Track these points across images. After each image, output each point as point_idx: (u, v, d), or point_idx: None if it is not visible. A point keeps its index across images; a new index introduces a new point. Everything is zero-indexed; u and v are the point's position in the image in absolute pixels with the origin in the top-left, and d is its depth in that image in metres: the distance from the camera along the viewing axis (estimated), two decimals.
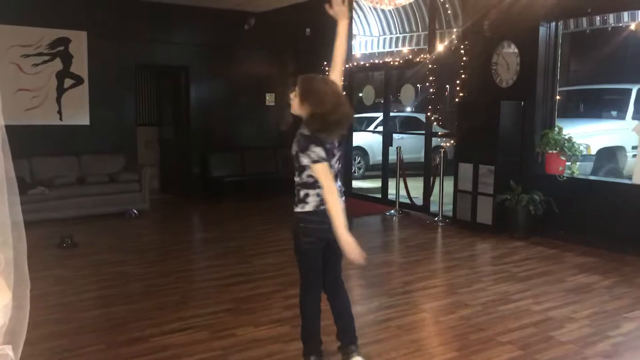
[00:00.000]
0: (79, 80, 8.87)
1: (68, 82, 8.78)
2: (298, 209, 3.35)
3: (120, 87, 9.15)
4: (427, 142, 8.68)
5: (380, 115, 13.21)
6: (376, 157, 13.16)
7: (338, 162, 3.38)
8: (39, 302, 4.77)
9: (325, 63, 10.45)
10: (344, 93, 3.48)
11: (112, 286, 5.27)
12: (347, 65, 10.00)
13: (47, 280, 5.33)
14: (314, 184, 3.25)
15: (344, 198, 3.40)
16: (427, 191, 8.60)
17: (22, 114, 8.39)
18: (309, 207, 3.30)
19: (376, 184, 11.36)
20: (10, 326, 1.46)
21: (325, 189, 3.17)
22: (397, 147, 8.87)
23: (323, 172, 3.17)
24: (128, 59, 9.30)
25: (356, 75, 10.03)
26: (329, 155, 3.23)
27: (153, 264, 5.99)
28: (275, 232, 7.43)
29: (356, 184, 11.10)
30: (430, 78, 8.41)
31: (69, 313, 4.53)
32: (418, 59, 8.72)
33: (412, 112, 14.90)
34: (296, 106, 3.35)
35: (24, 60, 8.35)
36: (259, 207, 9.30)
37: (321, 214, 3.25)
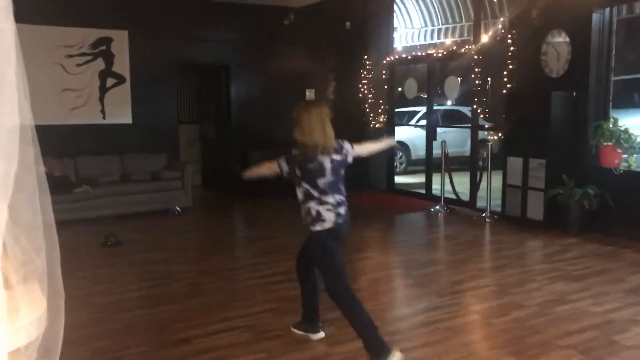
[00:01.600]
0: (121, 80, 8.93)
1: (110, 81, 8.85)
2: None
3: (161, 85, 9.19)
4: (473, 135, 8.41)
5: (421, 109, 12.98)
6: (418, 151, 12.91)
7: (332, 174, 3.73)
8: (82, 302, 4.79)
9: (365, 57, 10.31)
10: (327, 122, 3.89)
11: (156, 285, 5.24)
12: (388, 58, 9.81)
13: (91, 279, 5.34)
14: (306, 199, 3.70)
15: (343, 209, 3.73)
16: (474, 186, 8.34)
17: (67, 114, 8.49)
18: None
19: (419, 179, 11.14)
20: (43, 341, 1.30)
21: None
22: (441, 142, 8.63)
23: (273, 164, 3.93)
24: (169, 58, 9.32)
25: (397, 68, 9.81)
26: (310, 172, 3.67)
27: (196, 262, 5.95)
28: None
29: (398, 179, 10.89)
30: (476, 70, 8.14)
31: (113, 313, 4.50)
32: (462, 50, 8.46)
33: (452, 105, 14.57)
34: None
35: (67, 60, 8.45)
36: (293, 204, 9.17)
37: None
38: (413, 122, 12.96)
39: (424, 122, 12.47)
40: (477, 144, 8.49)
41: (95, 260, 6.03)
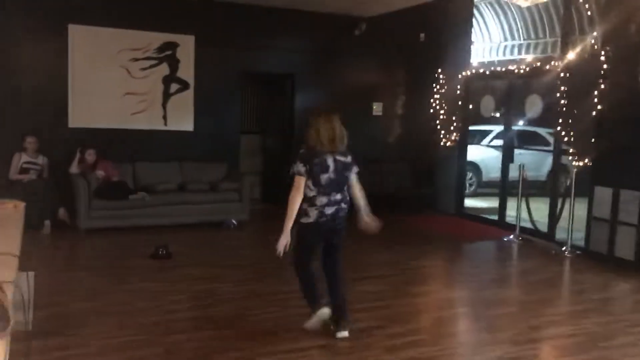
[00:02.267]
0: (185, 86, 8.74)
1: (174, 87, 8.67)
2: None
3: (225, 93, 8.92)
4: (555, 159, 7.67)
5: (493, 129, 12.23)
6: (489, 173, 12.16)
7: (335, 172, 4.41)
8: (125, 320, 4.49)
9: (439, 71, 9.73)
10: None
11: (202, 306, 4.89)
12: (464, 73, 9.21)
13: (137, 294, 5.05)
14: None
15: (338, 207, 4.48)
16: (553, 215, 7.59)
17: (128, 118, 8.36)
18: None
19: (489, 203, 10.41)
20: None
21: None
22: (519, 165, 7.93)
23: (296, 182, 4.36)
24: (234, 66, 9.06)
25: (474, 83, 9.17)
26: (314, 167, 4.31)
27: (247, 283, 5.55)
28: (375, 254, 6.79)
29: (468, 202, 10.19)
30: (562, 89, 7.41)
31: (153, 335, 4.15)
32: (547, 67, 7.75)
33: (526, 124, 13.66)
34: None
35: (132, 64, 8.32)
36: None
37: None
38: (485, 141, 12.23)
39: (497, 142, 11.82)
40: (559, 169, 7.74)
41: (143, 272, 5.74)
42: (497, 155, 11.96)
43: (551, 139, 12.43)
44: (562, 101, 7.43)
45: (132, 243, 6.98)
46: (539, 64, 8.11)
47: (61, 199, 7.51)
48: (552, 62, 7.75)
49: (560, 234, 7.39)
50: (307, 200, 4.38)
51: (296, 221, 4.43)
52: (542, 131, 12.36)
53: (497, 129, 12.05)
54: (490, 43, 10.95)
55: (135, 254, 6.42)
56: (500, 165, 11.33)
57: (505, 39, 10.79)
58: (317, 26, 9.50)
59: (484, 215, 9.35)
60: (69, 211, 7.54)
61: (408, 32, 10.04)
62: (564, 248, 7.05)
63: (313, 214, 4.38)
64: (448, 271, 6.38)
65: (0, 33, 7.58)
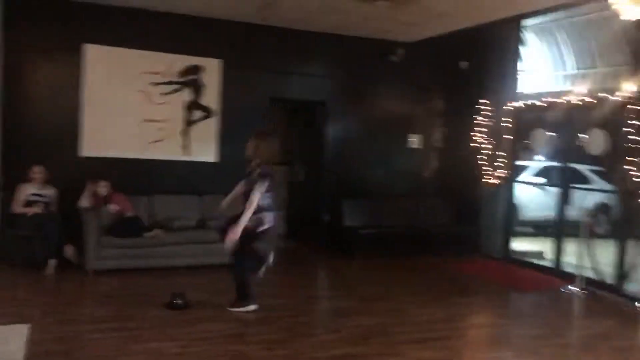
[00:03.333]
0: (208, 113, 8.04)
1: (197, 114, 7.98)
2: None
3: (251, 121, 8.09)
4: (626, 200, 6.76)
5: (530, 164, 11.35)
6: (528, 212, 11.25)
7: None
8: None
9: (482, 102, 8.94)
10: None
11: None
12: (511, 104, 8.41)
13: (149, 357, 4.22)
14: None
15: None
16: (621, 264, 6.66)
17: (145, 147, 7.67)
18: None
19: (532, 245, 9.48)
20: None
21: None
22: (586, 209, 7.07)
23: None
24: (262, 92, 8.37)
25: (523, 115, 8.35)
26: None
27: (276, 344, 4.68)
28: (427, 308, 5.90)
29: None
30: (631, 122, 6.57)
31: None
32: (610, 99, 6.92)
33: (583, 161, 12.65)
34: None
35: (152, 88, 7.66)
36: (400, 268, 7.83)
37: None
38: (523, 177, 11.31)
39: (538, 178, 10.93)
40: (629, 210, 6.82)
41: (157, 327, 4.92)
42: (536, 192, 11.14)
43: (592, 176, 11.63)
44: (631, 136, 6.58)
45: (145, 288, 6.18)
46: (600, 95, 7.27)
47: (69, 235, 6.77)
48: (617, 93, 6.92)
49: (630, 285, 6.47)
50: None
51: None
52: (582, 167, 11.48)
53: (539, 164, 11.25)
54: (537, 72, 10.17)
55: (148, 302, 5.61)
56: (539, 203, 10.57)
57: (558, 68, 10.00)
58: (351, 51, 8.80)
59: (528, 260, 8.44)
60: (77, 249, 6.79)
61: (448, 59, 9.30)
62: (637, 303, 6.12)
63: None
64: (512, 332, 5.45)
65: (9, 53, 6.94)
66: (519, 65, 8.72)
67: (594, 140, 7.22)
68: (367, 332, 5.03)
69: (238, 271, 5.59)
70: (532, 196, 10.74)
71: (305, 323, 5.33)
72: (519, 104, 8.38)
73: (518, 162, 8.88)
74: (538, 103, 8.07)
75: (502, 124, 8.55)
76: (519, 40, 8.51)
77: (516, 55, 8.52)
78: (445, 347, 4.72)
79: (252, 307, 5.51)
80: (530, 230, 11.34)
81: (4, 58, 6.81)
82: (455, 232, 9.01)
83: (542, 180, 11.03)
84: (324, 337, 4.91)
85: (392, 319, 5.46)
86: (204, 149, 8.03)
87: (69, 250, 6.74)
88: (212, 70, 8.00)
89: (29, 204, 6.82)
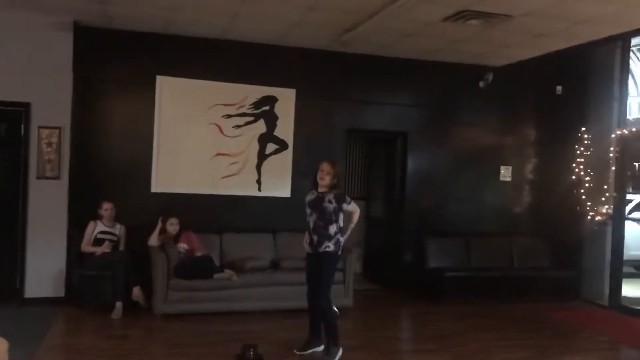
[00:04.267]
0: (283, 146, 7.59)
1: (271, 147, 7.54)
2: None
3: (328, 154, 7.49)
4: None
5: (634, 198, 10.24)
6: (630, 251, 10.07)
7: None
8: None
9: (583, 129, 8.06)
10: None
11: None
12: (618, 132, 7.49)
13: None
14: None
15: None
16: None
17: (218, 182, 7.27)
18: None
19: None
20: None
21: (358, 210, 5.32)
22: None
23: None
24: (339, 122, 7.84)
25: (633, 144, 7.41)
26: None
27: None
28: None
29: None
30: None
31: None
32: None
33: None
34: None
35: (225, 120, 7.29)
36: (493, 316, 6.99)
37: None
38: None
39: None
40: None
41: None
42: (636, 228, 10.02)
43: None
44: None
45: (215, 336, 5.68)
46: None
47: (137, 275, 6.40)
48: None
49: None
50: (340, 231, 5.07)
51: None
52: None
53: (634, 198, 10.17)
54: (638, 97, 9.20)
55: (218, 353, 5.09)
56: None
57: None
58: (434, 77, 8.17)
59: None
60: (145, 290, 6.40)
61: (542, 83, 8.50)
62: None
63: (340, 244, 5.09)
64: None
65: (79, 86, 6.77)
66: (630, 90, 7.82)
67: None
68: None
69: (326, 309, 5.09)
70: (631, 233, 9.67)
71: None
72: (627, 131, 7.46)
73: (626, 197, 7.85)
74: None
75: (607, 154, 7.63)
76: (627, 61, 7.62)
77: (624, 77, 7.62)
78: None
79: (341, 351, 5.06)
80: (631, 270, 10.26)
81: (74, 92, 6.62)
82: (553, 276, 8.07)
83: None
84: None
85: None
86: (278, 184, 7.56)
87: (137, 292, 6.37)
88: (286, 100, 7.57)
89: (97, 242, 6.53)
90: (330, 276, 5.15)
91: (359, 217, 5.46)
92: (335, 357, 4.96)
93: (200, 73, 7.19)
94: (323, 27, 6.56)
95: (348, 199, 5.16)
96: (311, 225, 5.12)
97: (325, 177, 5.06)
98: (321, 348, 5.17)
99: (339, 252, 5.14)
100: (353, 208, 5.18)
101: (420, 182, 8.25)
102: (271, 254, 7.10)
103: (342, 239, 5.11)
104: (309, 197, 5.23)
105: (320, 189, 5.13)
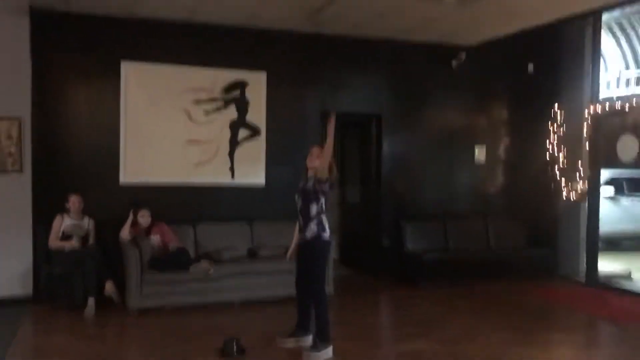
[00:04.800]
0: (255, 132, 7.37)
1: (243, 133, 7.32)
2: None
3: (301, 139, 7.40)
4: None
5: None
6: (602, 226, 10.25)
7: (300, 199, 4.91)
8: None
9: (555, 107, 8.07)
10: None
11: None
12: (592, 108, 7.52)
13: None
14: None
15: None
16: None
17: (189, 171, 7.03)
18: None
19: (614, 264, 8.52)
20: None
21: None
22: None
23: None
24: (312, 106, 7.66)
25: (607, 121, 7.44)
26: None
27: None
28: (521, 347, 5.04)
29: None
30: None
31: None
32: None
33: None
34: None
35: (194, 107, 7.03)
36: (472, 298, 6.97)
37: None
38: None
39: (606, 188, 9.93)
40: None
41: None
42: (610, 205, 10.16)
43: None
44: None
45: (194, 330, 5.48)
46: None
47: (109, 270, 6.14)
48: None
49: None
50: (323, 214, 4.88)
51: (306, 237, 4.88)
52: None
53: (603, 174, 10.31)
54: (606, 73, 9.25)
55: (199, 349, 4.90)
56: (610, 216, 9.57)
57: (627, 68, 9.06)
58: (407, 58, 8.05)
59: (623, 284, 7.47)
60: (118, 285, 6.15)
61: (514, 62, 8.47)
62: None
63: (328, 230, 4.88)
64: None
65: (38, 74, 6.42)
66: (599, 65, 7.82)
67: None
68: None
69: (318, 301, 4.86)
70: (605, 209, 9.80)
71: None
72: (601, 108, 7.48)
73: (600, 173, 7.89)
74: (627, 106, 7.15)
75: (581, 132, 7.65)
76: (598, 38, 7.62)
77: (597, 54, 7.63)
78: None
79: (331, 349, 4.77)
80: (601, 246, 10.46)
81: (33, 80, 6.28)
82: (530, 255, 8.11)
83: (609, 190, 10.11)
84: None
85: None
86: (252, 171, 7.35)
87: (110, 288, 6.11)
88: (257, 84, 7.34)
89: (65, 237, 6.24)
90: (320, 267, 4.89)
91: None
92: (320, 352, 4.71)
93: (167, 58, 6.90)
94: (294, 5, 6.34)
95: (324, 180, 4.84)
96: (298, 210, 4.95)
97: (314, 160, 4.85)
98: (308, 339, 5.01)
99: (325, 236, 4.86)
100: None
101: (396, 165, 8.15)
102: (247, 244, 6.93)
103: (325, 220, 4.86)
104: (299, 187, 5.02)
105: (309, 174, 4.92)
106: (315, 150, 4.95)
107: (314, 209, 4.83)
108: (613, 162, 7.51)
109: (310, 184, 4.87)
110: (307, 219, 4.85)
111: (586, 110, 7.60)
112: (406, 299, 7.01)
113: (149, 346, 5.04)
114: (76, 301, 5.98)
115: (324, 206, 4.91)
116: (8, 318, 5.71)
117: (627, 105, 7.15)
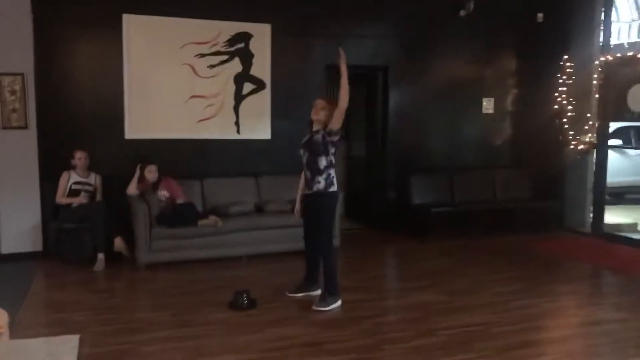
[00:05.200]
0: (260, 85, 7.28)
1: (248, 87, 7.22)
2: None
3: (307, 92, 7.27)
4: None
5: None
6: (611, 178, 10.20)
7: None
8: None
9: (565, 58, 7.91)
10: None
11: None
12: (602, 58, 7.36)
13: None
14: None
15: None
16: None
17: (194, 126, 6.97)
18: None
19: (621, 216, 8.52)
20: None
21: None
22: None
23: None
24: (317, 59, 7.52)
25: (618, 70, 7.30)
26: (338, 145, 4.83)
27: (365, 353, 3.95)
28: (525, 300, 5.09)
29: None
30: None
31: None
32: None
33: None
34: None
35: (198, 60, 6.92)
36: (480, 250, 7.01)
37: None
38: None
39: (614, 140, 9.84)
40: None
41: (221, 335, 4.25)
42: (614, 156, 10.08)
43: None
44: None
45: (203, 284, 5.54)
46: None
47: (117, 226, 6.18)
48: None
49: None
50: (332, 168, 4.79)
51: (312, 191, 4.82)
52: None
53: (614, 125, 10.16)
54: (619, 22, 9.03)
55: (208, 302, 4.97)
56: (618, 168, 9.50)
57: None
58: (414, 7, 7.86)
59: (630, 235, 7.48)
60: (127, 241, 6.20)
61: (522, 12, 8.27)
62: None
63: (336, 183, 4.80)
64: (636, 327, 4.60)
65: (40, 28, 6.29)
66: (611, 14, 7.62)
67: None
68: (466, 335, 4.26)
69: (326, 255, 4.85)
70: (611, 161, 9.74)
71: (392, 324, 4.58)
72: (611, 57, 7.33)
73: (609, 124, 7.80)
74: (639, 55, 7.01)
75: (591, 82, 7.52)
76: None
77: (609, 2, 7.43)
78: (569, 354, 3.91)
79: (340, 303, 4.83)
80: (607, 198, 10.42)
81: (35, 35, 6.17)
82: (536, 207, 8.09)
83: (617, 141, 10.00)
84: (418, 343, 4.15)
85: (491, 316, 4.66)
86: (257, 125, 7.29)
87: (119, 243, 6.16)
88: (261, 37, 7.20)
89: (72, 193, 6.25)
90: (328, 220, 4.84)
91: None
92: (329, 306, 4.76)
93: (170, 10, 6.75)
94: None
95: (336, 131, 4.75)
96: (304, 163, 4.89)
97: (319, 112, 4.77)
98: (317, 292, 5.07)
99: (334, 189, 4.82)
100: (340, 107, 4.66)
101: (402, 118, 8.07)
102: (254, 198, 6.92)
103: (333, 174, 4.80)
104: (303, 141, 4.95)
105: (315, 127, 4.85)
106: (319, 102, 4.86)
107: (322, 161, 4.76)
108: (623, 113, 7.40)
109: (318, 136, 4.77)
110: (315, 172, 4.79)
111: (597, 60, 7.44)
112: (413, 252, 7.05)
113: (160, 300, 5.10)
114: (86, 256, 6.04)
115: (333, 159, 4.83)
116: (20, 273, 5.79)
117: (639, 54, 7.00)
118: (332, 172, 4.80)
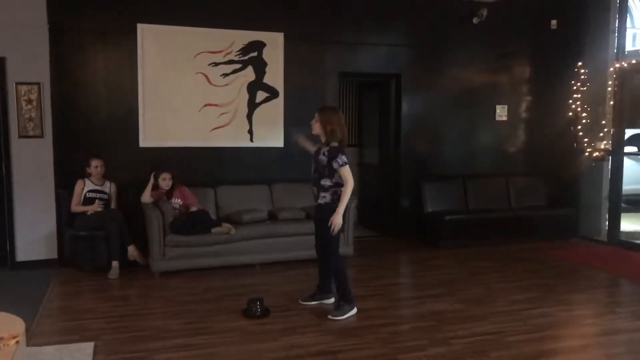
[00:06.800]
0: (273, 93, 7.31)
1: (261, 95, 7.26)
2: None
3: (320, 101, 7.30)
4: None
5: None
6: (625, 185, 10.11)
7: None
8: None
9: (579, 64, 7.86)
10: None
11: None
12: (617, 65, 7.31)
13: None
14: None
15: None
16: None
17: (208, 134, 7.01)
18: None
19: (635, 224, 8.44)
20: None
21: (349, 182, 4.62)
22: None
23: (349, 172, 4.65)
24: (330, 66, 7.56)
25: (633, 77, 7.25)
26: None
27: None
28: (542, 308, 5.04)
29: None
30: None
31: None
32: None
33: None
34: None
35: (211, 69, 6.97)
36: (494, 258, 6.96)
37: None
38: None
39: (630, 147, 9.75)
40: None
41: (235, 343, 4.25)
42: (629, 163, 9.99)
43: None
44: None
45: (217, 291, 5.55)
46: None
47: (132, 234, 6.21)
48: None
49: None
50: (339, 186, 4.70)
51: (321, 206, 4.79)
52: None
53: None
54: (634, 29, 8.98)
55: (222, 309, 4.97)
56: (631, 176, 9.41)
57: None
58: (428, 15, 7.87)
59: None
60: (141, 248, 6.23)
61: (536, 18, 8.25)
62: None
63: (339, 196, 4.73)
64: None
65: (56, 38, 6.37)
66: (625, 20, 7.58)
67: None
68: (481, 344, 4.22)
69: (333, 266, 4.87)
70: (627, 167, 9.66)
71: (406, 332, 4.55)
72: (627, 64, 7.27)
73: (624, 131, 7.73)
74: None
75: (605, 89, 7.47)
76: None
77: (623, 9, 7.39)
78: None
79: (355, 311, 4.86)
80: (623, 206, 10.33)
81: (51, 44, 6.24)
82: (551, 214, 8.03)
83: (632, 148, 9.93)
84: (433, 352, 4.12)
85: (506, 325, 4.62)
86: (270, 133, 7.31)
87: (133, 251, 6.19)
88: (274, 45, 7.24)
89: (87, 201, 6.30)
90: (331, 233, 4.71)
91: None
92: (345, 315, 4.77)
93: (183, 19, 6.81)
94: None
95: (340, 159, 4.61)
96: (310, 175, 4.92)
97: (314, 126, 4.81)
98: (330, 301, 5.06)
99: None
100: (343, 175, 4.62)
101: (415, 125, 8.06)
102: (268, 206, 6.94)
103: (340, 190, 4.67)
104: (313, 150, 4.99)
105: (321, 139, 4.85)
106: (316, 115, 4.87)
107: (327, 182, 4.73)
108: (638, 119, 7.34)
109: (323, 157, 4.71)
110: (320, 189, 4.79)
111: (612, 67, 7.39)
112: (427, 260, 7.02)
113: (174, 308, 5.11)
114: (100, 264, 6.08)
115: (340, 180, 4.68)
116: (36, 280, 5.84)
117: None
118: (339, 189, 4.69)
